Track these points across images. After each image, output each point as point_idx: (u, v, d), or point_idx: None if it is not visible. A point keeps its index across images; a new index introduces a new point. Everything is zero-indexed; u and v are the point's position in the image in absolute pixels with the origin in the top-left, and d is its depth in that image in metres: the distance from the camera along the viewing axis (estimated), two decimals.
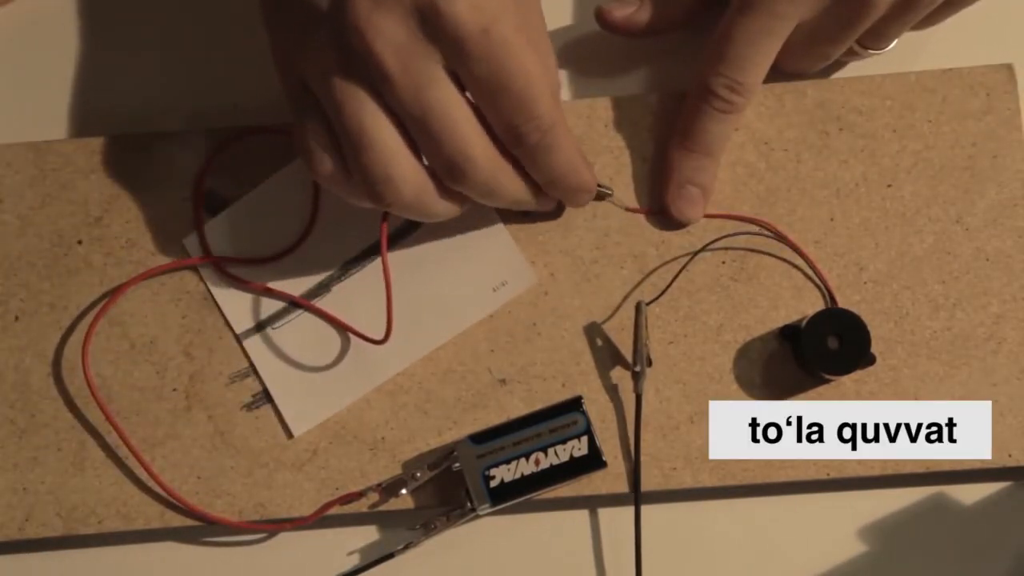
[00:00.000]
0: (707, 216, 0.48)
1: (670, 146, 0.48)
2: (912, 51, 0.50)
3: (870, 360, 0.46)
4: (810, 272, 0.48)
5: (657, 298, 0.48)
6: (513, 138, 0.41)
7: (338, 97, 0.39)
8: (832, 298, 0.48)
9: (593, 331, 0.48)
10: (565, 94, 0.51)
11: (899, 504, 0.48)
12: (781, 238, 0.48)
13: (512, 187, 0.43)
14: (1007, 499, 0.48)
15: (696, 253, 0.48)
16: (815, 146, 0.49)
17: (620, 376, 0.48)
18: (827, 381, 0.47)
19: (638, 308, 0.46)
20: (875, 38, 0.47)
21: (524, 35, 0.39)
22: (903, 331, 0.48)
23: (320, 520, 0.47)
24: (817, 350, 0.46)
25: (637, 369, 0.46)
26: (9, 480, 0.48)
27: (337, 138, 0.40)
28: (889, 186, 0.49)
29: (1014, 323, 0.47)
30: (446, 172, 0.41)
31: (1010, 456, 0.47)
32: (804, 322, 0.46)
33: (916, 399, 0.47)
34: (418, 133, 0.40)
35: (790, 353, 0.47)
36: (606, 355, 0.48)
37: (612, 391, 0.48)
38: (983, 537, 0.48)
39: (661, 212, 0.48)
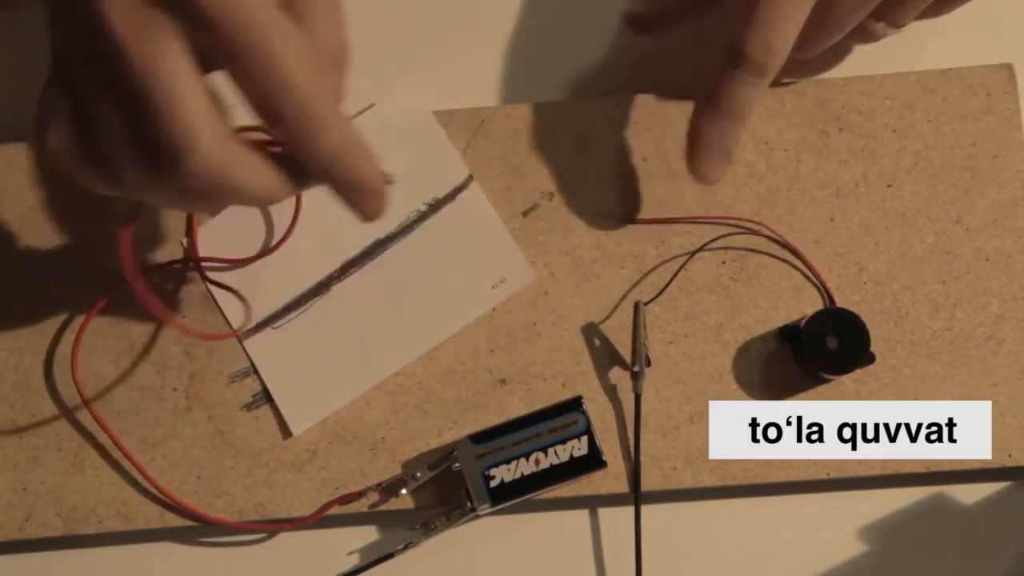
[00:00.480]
0: (705, 218, 0.48)
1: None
2: (912, 51, 0.50)
3: (870, 359, 0.46)
4: (808, 273, 0.48)
5: (655, 298, 0.48)
6: (269, 113, 0.36)
7: (78, 69, 0.35)
8: (831, 298, 0.48)
9: (593, 331, 0.48)
10: (565, 94, 0.51)
11: (899, 504, 0.48)
12: (779, 240, 0.48)
13: (254, 181, 0.37)
14: (1007, 499, 0.48)
15: (694, 253, 0.48)
16: (815, 146, 0.49)
17: (620, 376, 0.48)
18: (827, 381, 0.47)
19: (636, 308, 0.46)
20: (893, 10, 0.46)
21: None
22: (903, 331, 0.48)
23: (320, 520, 0.47)
24: (817, 350, 0.46)
25: (636, 369, 0.46)
26: (9, 480, 0.48)
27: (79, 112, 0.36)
28: (889, 186, 0.49)
29: (1014, 323, 0.47)
30: (165, 158, 0.35)
31: (1010, 456, 0.47)
32: (803, 322, 0.46)
33: (916, 399, 0.47)
34: (141, 111, 0.35)
35: (790, 353, 0.47)
36: (606, 355, 0.48)
37: (612, 391, 0.48)
38: (983, 537, 0.48)
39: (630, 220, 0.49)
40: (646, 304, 0.47)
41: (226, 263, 0.49)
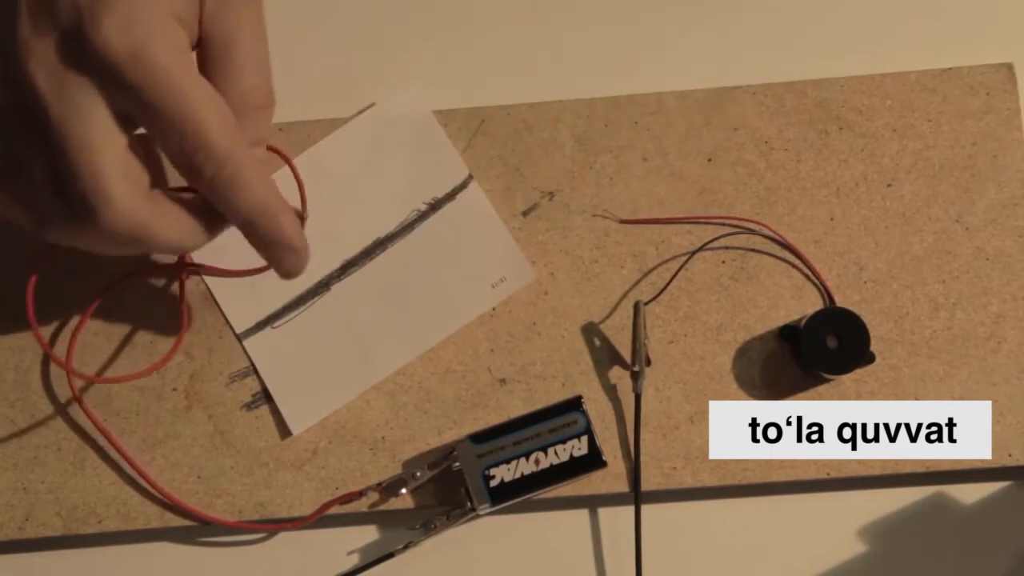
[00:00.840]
0: (705, 218, 0.48)
1: None
2: (912, 51, 0.50)
3: (870, 359, 0.46)
4: (808, 272, 0.48)
5: (656, 297, 0.48)
6: (188, 171, 0.38)
7: (9, 120, 0.37)
8: (831, 297, 0.48)
9: (593, 331, 0.48)
10: (564, 94, 0.51)
11: (899, 504, 0.48)
12: (779, 240, 0.48)
13: (170, 234, 0.39)
14: (1007, 499, 0.48)
15: (694, 252, 0.48)
16: (815, 146, 0.49)
17: (620, 376, 0.48)
18: (827, 381, 0.47)
19: (636, 307, 0.46)
20: None
21: (185, 57, 0.37)
22: (903, 331, 0.48)
23: (320, 520, 0.47)
24: (816, 350, 0.46)
25: (636, 369, 0.46)
26: (9, 480, 0.48)
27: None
28: (889, 186, 0.49)
29: (1014, 323, 0.47)
30: (81, 211, 0.37)
31: (1010, 456, 0.47)
32: (803, 322, 0.46)
33: (916, 399, 0.47)
34: (60, 165, 0.37)
35: (789, 353, 0.47)
36: (606, 355, 0.48)
37: (612, 391, 0.48)
38: (983, 537, 0.48)
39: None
40: (646, 304, 0.47)
41: (224, 274, 0.49)
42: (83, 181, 0.36)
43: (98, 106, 0.36)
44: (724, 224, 0.49)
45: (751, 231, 0.48)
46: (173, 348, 0.47)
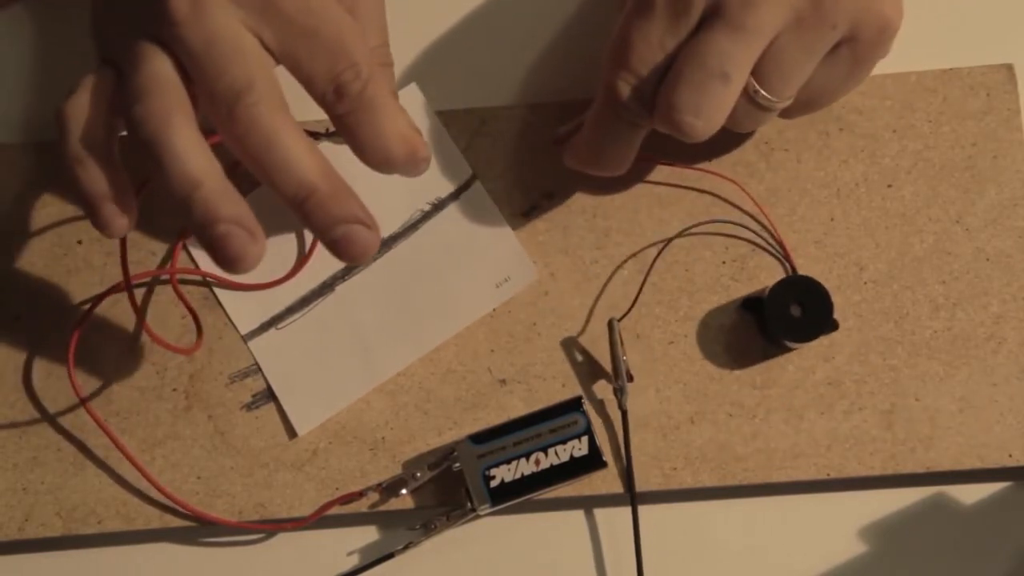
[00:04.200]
0: (686, 166, 0.49)
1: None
2: (912, 51, 0.50)
3: (833, 326, 0.46)
4: (773, 244, 0.48)
5: (627, 314, 0.47)
6: (333, 91, 0.39)
7: (128, 56, 0.38)
8: (792, 266, 0.48)
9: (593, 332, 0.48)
10: (565, 94, 0.51)
11: (899, 504, 0.48)
12: (748, 211, 0.48)
13: (294, 143, 0.38)
14: (1007, 499, 0.48)
15: (670, 240, 0.48)
16: (815, 146, 0.49)
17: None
18: (790, 350, 0.47)
19: (611, 325, 0.46)
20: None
21: None
22: (903, 331, 0.48)
23: (320, 520, 0.47)
24: (782, 320, 0.46)
25: (619, 385, 0.46)
26: (9, 480, 0.47)
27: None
28: (889, 186, 0.49)
29: (1014, 323, 0.48)
30: (223, 101, 0.38)
31: (1010, 456, 0.47)
32: (766, 292, 0.46)
33: (916, 399, 0.47)
34: (198, 69, 0.38)
35: (754, 325, 0.48)
36: (606, 356, 0.48)
37: (612, 392, 0.48)
38: (983, 537, 0.48)
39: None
40: (619, 320, 0.47)
41: (234, 287, 0.49)
42: (232, 71, 0.38)
43: (241, 27, 0.38)
44: (708, 173, 0.48)
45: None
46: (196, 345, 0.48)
